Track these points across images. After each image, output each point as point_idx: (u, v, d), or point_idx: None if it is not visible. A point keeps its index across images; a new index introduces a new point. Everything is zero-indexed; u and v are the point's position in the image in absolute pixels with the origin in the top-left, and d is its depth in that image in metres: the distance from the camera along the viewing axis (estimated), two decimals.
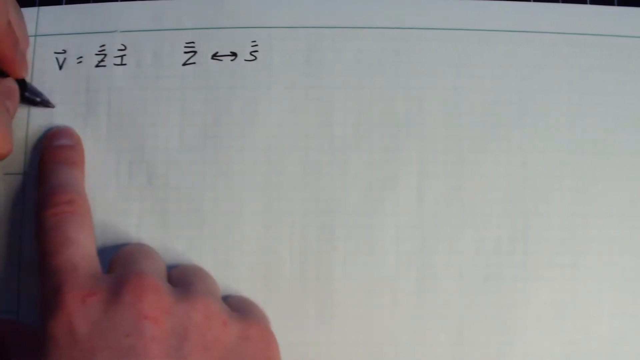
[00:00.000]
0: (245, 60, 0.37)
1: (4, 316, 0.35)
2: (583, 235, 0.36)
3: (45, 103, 0.36)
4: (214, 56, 0.37)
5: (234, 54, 0.37)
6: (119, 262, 0.32)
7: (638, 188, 0.36)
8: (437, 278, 0.35)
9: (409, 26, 0.37)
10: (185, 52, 0.37)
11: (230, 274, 0.35)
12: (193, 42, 0.37)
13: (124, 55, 0.37)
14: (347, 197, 0.36)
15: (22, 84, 0.35)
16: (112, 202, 0.35)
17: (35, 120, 0.36)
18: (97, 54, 0.37)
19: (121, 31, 0.37)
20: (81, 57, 0.37)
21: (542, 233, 0.36)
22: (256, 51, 0.37)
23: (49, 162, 0.34)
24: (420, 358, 0.35)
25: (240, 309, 0.33)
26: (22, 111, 0.36)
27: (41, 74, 0.36)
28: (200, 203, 0.36)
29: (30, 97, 0.35)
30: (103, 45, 0.37)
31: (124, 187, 0.36)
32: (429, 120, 0.36)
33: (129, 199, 0.36)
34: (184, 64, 0.37)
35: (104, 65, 0.37)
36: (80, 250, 0.31)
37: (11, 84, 0.34)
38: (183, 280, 0.32)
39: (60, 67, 0.37)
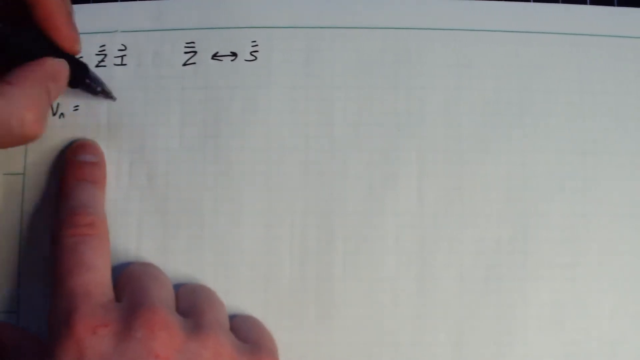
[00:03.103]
0: (246, 60, 0.37)
1: (5, 321, 0.35)
2: (583, 235, 0.36)
3: (106, 94, 0.35)
4: (214, 56, 0.37)
5: (234, 54, 0.37)
6: (128, 287, 0.32)
7: (638, 188, 0.36)
8: (437, 278, 0.35)
9: (409, 26, 0.37)
10: (186, 52, 0.37)
11: (230, 274, 0.35)
12: (193, 42, 0.37)
13: (124, 55, 0.37)
14: (347, 197, 0.36)
15: (83, 69, 0.34)
16: (112, 202, 0.35)
17: None
18: (97, 54, 0.37)
19: (121, 31, 0.37)
20: (81, 57, 0.37)
21: (542, 233, 0.36)
22: (256, 51, 0.37)
23: (72, 179, 0.34)
24: (420, 358, 0.35)
25: (249, 338, 0.33)
26: None
27: None
28: (200, 203, 0.36)
29: (91, 84, 0.34)
30: (103, 46, 0.37)
31: (124, 187, 0.36)
32: (429, 121, 0.36)
33: (129, 199, 0.35)
34: (184, 64, 0.37)
35: (104, 66, 0.37)
36: (95, 276, 0.31)
37: (59, 66, 0.32)
38: (192, 308, 0.32)
39: None
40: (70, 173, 0.34)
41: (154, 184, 0.36)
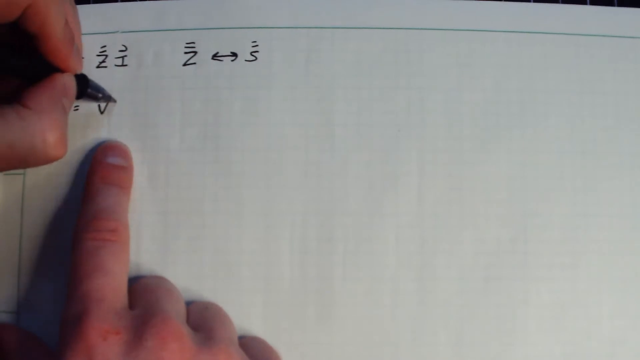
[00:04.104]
0: (246, 60, 0.37)
1: (4, 321, 0.35)
2: (583, 235, 0.36)
3: (107, 98, 0.36)
4: (215, 56, 0.37)
5: (234, 54, 0.37)
6: (141, 298, 0.32)
7: (638, 188, 0.36)
8: (437, 278, 0.35)
9: (410, 26, 0.37)
10: (186, 53, 0.37)
11: (230, 274, 0.35)
12: (193, 43, 0.37)
13: (125, 56, 0.37)
14: (347, 197, 0.36)
15: (84, 81, 0.34)
16: None
17: None
18: (98, 55, 0.37)
19: (122, 32, 0.37)
20: (82, 58, 0.37)
21: (542, 233, 0.36)
22: (256, 51, 0.37)
23: (99, 181, 0.34)
24: (420, 358, 0.35)
25: (258, 356, 0.33)
26: None
27: None
28: (201, 203, 0.36)
29: (93, 93, 0.35)
30: (104, 46, 0.37)
31: None
32: (429, 121, 0.36)
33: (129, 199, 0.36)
34: (185, 64, 0.37)
35: (105, 66, 0.37)
36: (111, 282, 0.31)
37: (68, 81, 0.32)
38: (203, 323, 0.32)
39: None
40: (97, 174, 0.34)
41: (154, 184, 0.36)
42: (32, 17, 0.30)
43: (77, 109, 0.36)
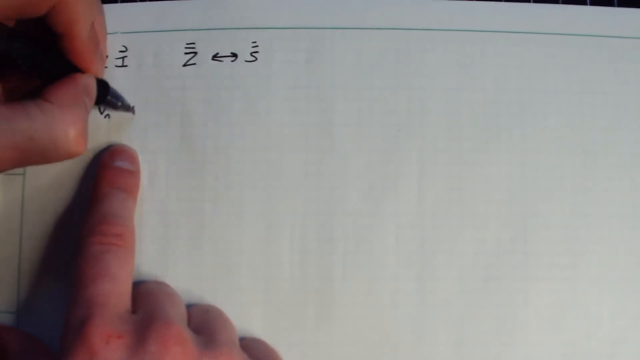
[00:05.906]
0: (246, 61, 0.37)
1: (3, 321, 0.35)
2: (583, 235, 0.36)
3: (126, 108, 0.36)
4: (215, 57, 0.37)
5: (234, 55, 0.37)
6: (143, 302, 0.32)
7: (638, 188, 0.36)
8: (437, 278, 0.35)
9: (410, 27, 0.37)
10: (186, 53, 0.37)
11: (230, 274, 0.35)
12: (194, 43, 0.37)
13: (125, 56, 0.37)
14: (347, 198, 0.36)
15: (105, 87, 0.34)
16: None
17: None
18: None
19: (122, 32, 0.37)
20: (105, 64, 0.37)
21: (542, 233, 0.36)
22: (257, 52, 0.37)
23: (106, 185, 0.34)
24: (420, 358, 0.35)
25: (259, 358, 0.33)
26: None
27: None
28: (201, 203, 0.36)
29: (112, 100, 0.35)
30: None
31: None
32: (429, 121, 0.36)
33: None
34: (185, 65, 0.37)
35: (106, 67, 0.37)
36: (116, 287, 0.31)
37: (89, 81, 0.33)
38: (205, 327, 0.32)
39: None
40: (105, 178, 0.34)
41: (154, 184, 0.36)
42: (59, 14, 0.30)
43: None
